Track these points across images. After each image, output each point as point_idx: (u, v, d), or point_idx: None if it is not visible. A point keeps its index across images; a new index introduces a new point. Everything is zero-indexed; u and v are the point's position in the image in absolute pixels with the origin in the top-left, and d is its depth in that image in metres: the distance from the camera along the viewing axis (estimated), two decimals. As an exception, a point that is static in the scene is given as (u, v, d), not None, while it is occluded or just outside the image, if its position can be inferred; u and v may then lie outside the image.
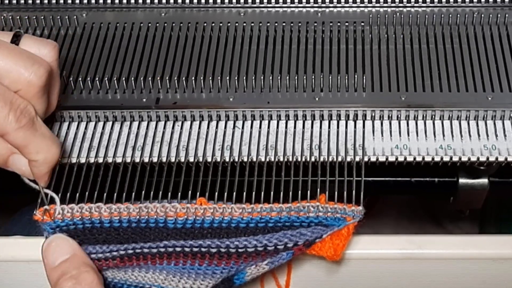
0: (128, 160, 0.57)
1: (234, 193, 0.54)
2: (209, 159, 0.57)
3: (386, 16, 0.67)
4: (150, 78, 0.61)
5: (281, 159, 0.57)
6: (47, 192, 0.54)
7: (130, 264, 0.53)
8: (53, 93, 0.55)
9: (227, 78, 0.61)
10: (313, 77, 0.61)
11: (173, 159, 0.57)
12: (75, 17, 0.67)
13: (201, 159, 0.57)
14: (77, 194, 0.54)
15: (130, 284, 0.54)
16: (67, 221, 0.53)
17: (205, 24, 0.67)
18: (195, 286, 0.53)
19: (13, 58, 0.51)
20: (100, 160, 0.57)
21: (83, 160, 0.57)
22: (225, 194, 0.54)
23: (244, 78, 0.61)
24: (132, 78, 0.61)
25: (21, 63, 0.51)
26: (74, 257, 0.52)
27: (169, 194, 0.54)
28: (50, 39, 0.65)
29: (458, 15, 0.67)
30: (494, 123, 0.59)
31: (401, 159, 0.57)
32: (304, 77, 0.61)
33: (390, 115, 0.60)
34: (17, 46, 0.52)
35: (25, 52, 0.52)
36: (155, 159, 0.57)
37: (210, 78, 0.61)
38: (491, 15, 0.66)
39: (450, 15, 0.66)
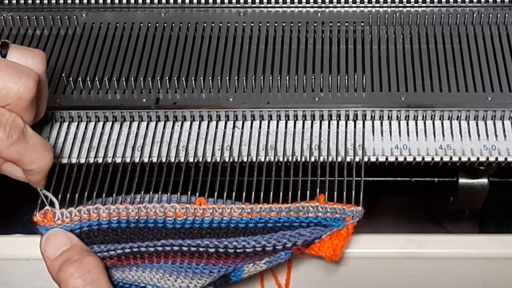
0: (128, 160, 0.57)
1: (234, 193, 0.54)
2: (209, 159, 0.57)
3: (386, 16, 0.67)
4: (150, 78, 0.61)
5: (281, 159, 0.57)
6: (46, 195, 0.54)
7: (127, 263, 0.53)
8: (41, 101, 0.54)
9: (227, 78, 0.61)
10: (313, 77, 0.61)
11: (173, 159, 0.57)
12: (75, 17, 0.67)
13: (201, 159, 0.57)
14: (77, 194, 0.54)
15: (126, 283, 0.54)
16: (65, 226, 0.53)
17: (205, 24, 0.67)
18: (192, 285, 0.53)
19: (0, 73, 0.49)
20: (100, 160, 0.57)
21: (83, 160, 0.57)
22: (225, 194, 0.54)
23: (244, 78, 0.61)
24: (132, 78, 0.61)
25: (9, 78, 0.49)
26: (74, 246, 0.52)
27: (169, 194, 0.54)
28: (50, 39, 0.66)
29: (458, 15, 0.67)
30: (494, 123, 0.59)
31: (401, 159, 0.57)
32: (304, 77, 0.61)
33: (390, 115, 0.60)
34: (3, 59, 0.51)
35: (12, 65, 0.50)
36: (155, 159, 0.57)
37: (210, 78, 0.61)
38: (491, 15, 0.66)
39: (450, 15, 0.66)
